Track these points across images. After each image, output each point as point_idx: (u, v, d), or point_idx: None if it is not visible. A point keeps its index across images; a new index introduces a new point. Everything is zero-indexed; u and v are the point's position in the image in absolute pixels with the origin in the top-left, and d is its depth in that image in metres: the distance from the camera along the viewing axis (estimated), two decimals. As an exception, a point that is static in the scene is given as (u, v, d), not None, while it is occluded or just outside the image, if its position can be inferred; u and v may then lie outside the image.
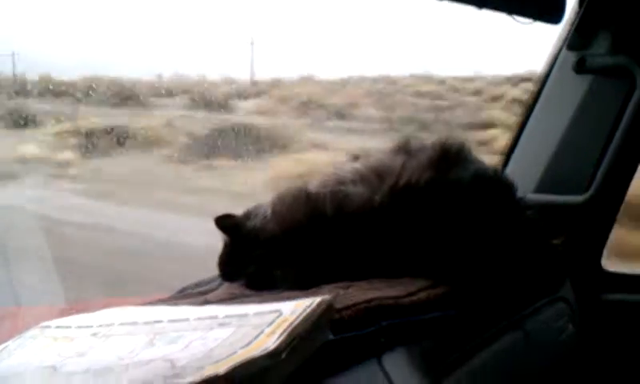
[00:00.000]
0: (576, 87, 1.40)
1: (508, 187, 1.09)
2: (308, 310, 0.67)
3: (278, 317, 0.66)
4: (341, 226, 0.96)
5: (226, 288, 0.96)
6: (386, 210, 0.96)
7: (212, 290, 0.97)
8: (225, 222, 1.03)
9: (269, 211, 1.01)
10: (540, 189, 1.39)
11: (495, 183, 1.07)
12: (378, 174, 1.01)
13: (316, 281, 0.90)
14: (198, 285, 1.03)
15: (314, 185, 1.03)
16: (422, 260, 0.95)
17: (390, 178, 0.99)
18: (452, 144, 1.05)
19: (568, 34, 1.39)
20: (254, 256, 0.98)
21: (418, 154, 1.03)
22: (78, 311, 0.84)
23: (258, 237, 0.99)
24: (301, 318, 0.65)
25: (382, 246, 0.95)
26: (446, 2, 1.01)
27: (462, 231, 0.96)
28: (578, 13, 1.37)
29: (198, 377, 0.55)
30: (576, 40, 1.39)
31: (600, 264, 1.48)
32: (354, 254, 0.95)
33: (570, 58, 1.39)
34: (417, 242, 0.94)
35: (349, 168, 1.05)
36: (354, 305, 0.81)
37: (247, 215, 1.03)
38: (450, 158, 1.02)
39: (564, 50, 1.41)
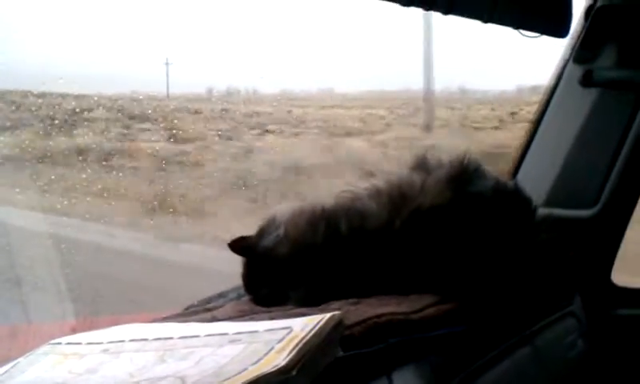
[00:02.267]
0: (583, 100, 1.40)
1: (527, 201, 1.09)
2: (318, 327, 0.67)
3: (288, 333, 0.66)
4: (356, 246, 0.96)
5: (234, 305, 0.96)
6: (405, 232, 0.96)
7: (220, 307, 0.97)
8: (238, 245, 1.03)
9: (282, 231, 1.01)
10: (548, 203, 1.38)
11: (515, 197, 1.07)
12: (397, 191, 1.01)
13: (326, 298, 0.90)
14: (205, 302, 1.03)
15: (330, 203, 1.03)
16: (433, 276, 0.94)
17: (411, 199, 0.99)
18: (469, 160, 1.05)
19: (574, 48, 1.40)
20: (267, 278, 0.99)
21: (435, 171, 1.03)
22: (87, 328, 0.84)
23: (270, 258, 0.99)
24: (311, 334, 0.65)
25: (395, 263, 0.95)
26: (452, 15, 1.01)
27: (476, 247, 0.96)
28: (584, 26, 1.37)
29: (210, 394, 0.56)
30: (582, 54, 1.39)
31: (610, 278, 1.47)
32: (366, 272, 0.95)
33: (577, 71, 1.39)
34: (430, 259, 0.94)
35: (366, 184, 1.05)
36: (364, 321, 0.80)
37: (260, 234, 1.03)
38: (468, 174, 1.03)
39: (570, 63, 1.41)
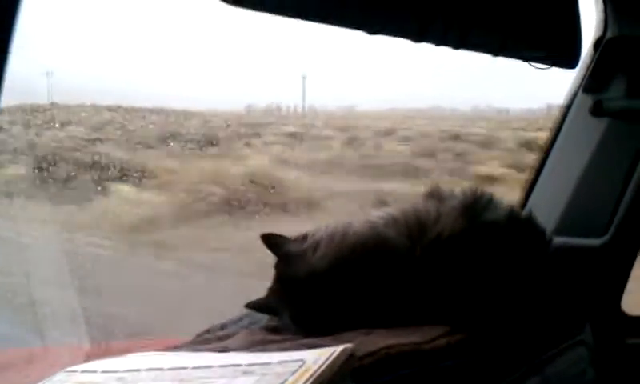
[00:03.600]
0: (593, 130, 1.40)
1: (540, 231, 1.10)
2: (330, 359, 0.68)
3: (300, 366, 0.67)
4: (376, 273, 0.97)
5: (247, 334, 0.97)
6: (426, 260, 0.97)
7: (232, 335, 0.98)
8: (270, 240, 1.04)
9: (319, 241, 1.02)
10: (558, 231, 1.38)
11: (529, 226, 1.08)
12: (414, 220, 1.01)
13: (339, 325, 0.90)
14: (217, 329, 1.04)
15: (355, 226, 1.03)
16: (445, 305, 0.95)
17: (430, 228, 0.99)
18: (481, 191, 1.06)
19: (584, 78, 1.41)
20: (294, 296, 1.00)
21: (449, 200, 1.05)
22: (101, 354, 0.86)
23: (299, 264, 1.00)
24: (323, 367, 0.66)
25: (412, 291, 0.95)
26: (463, 50, 1.03)
27: (489, 276, 0.97)
28: (593, 57, 1.39)
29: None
30: (592, 84, 1.40)
31: (620, 307, 1.46)
32: (381, 300, 0.95)
33: (587, 101, 1.40)
34: (444, 288, 0.95)
35: (381, 213, 1.06)
36: (375, 352, 0.81)
37: (298, 240, 1.04)
38: (482, 203, 1.04)
39: (580, 93, 1.42)
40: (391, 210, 1.07)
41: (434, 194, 1.08)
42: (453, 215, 1.01)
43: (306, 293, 0.98)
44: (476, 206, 1.04)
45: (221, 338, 0.95)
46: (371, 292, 0.96)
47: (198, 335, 1.01)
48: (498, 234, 1.01)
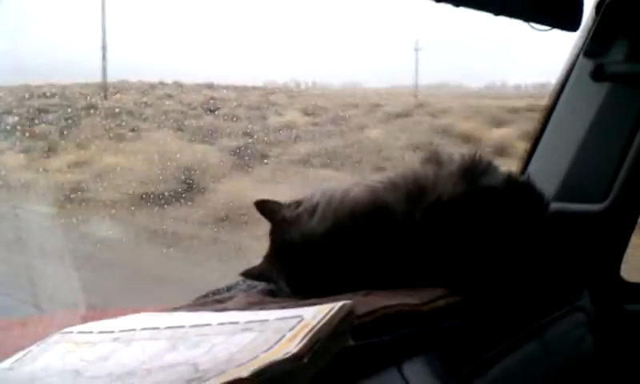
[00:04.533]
0: (594, 95, 1.39)
1: (539, 196, 1.09)
2: (329, 316, 0.67)
3: (299, 322, 0.66)
4: (375, 237, 0.96)
5: (245, 296, 0.97)
6: (426, 224, 0.96)
7: (230, 298, 0.97)
8: (264, 207, 1.03)
9: (316, 206, 1.01)
10: (558, 197, 1.38)
11: (527, 191, 1.07)
12: (414, 184, 1.00)
13: (337, 288, 0.90)
14: (215, 293, 1.04)
15: (354, 190, 1.02)
16: (444, 268, 0.94)
17: (429, 192, 0.98)
18: (480, 155, 1.05)
19: (585, 42, 1.39)
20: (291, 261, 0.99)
21: (447, 165, 1.03)
22: (97, 318, 0.85)
23: (296, 229, 0.99)
24: (322, 322, 0.65)
25: (411, 255, 0.94)
26: (463, 7, 1.01)
27: (488, 240, 0.96)
28: (594, 20, 1.37)
29: (222, 380, 0.56)
30: (593, 47, 1.38)
31: (619, 274, 1.46)
32: (380, 263, 0.95)
33: (588, 65, 1.39)
34: (443, 251, 0.94)
35: (379, 178, 1.04)
36: (374, 311, 0.81)
37: (293, 205, 1.03)
38: (481, 168, 1.03)
39: (581, 57, 1.41)
40: (390, 175, 1.05)
41: (433, 159, 1.07)
42: (452, 179, 1.00)
43: (303, 257, 0.97)
44: (475, 171, 1.03)
45: (219, 301, 0.95)
46: (370, 255, 0.96)
47: (197, 299, 1.00)
48: (496, 198, 1.00)
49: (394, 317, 0.82)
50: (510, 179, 1.06)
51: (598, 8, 1.36)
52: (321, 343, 0.63)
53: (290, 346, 0.61)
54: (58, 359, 0.73)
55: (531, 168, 1.45)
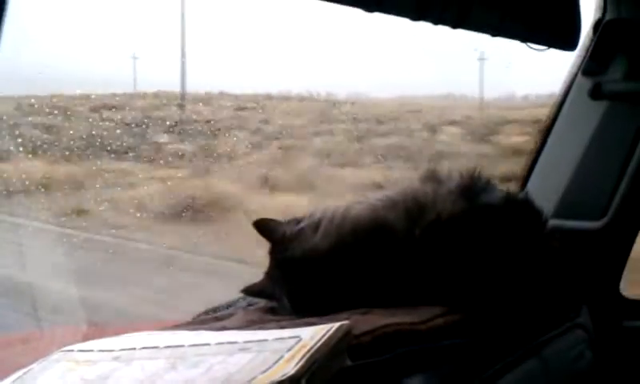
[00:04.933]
0: (592, 113, 1.40)
1: (537, 213, 1.10)
2: (327, 336, 0.67)
3: (297, 342, 0.67)
4: (374, 255, 0.97)
5: (244, 314, 0.97)
6: (426, 242, 0.96)
7: (229, 316, 0.97)
8: (263, 225, 1.04)
9: (318, 223, 1.01)
10: (557, 214, 1.38)
11: (526, 208, 1.08)
12: (413, 202, 1.01)
13: (337, 305, 0.90)
14: (214, 310, 1.04)
15: (355, 208, 1.03)
16: (442, 286, 0.95)
17: (428, 209, 0.99)
18: (479, 173, 1.06)
19: (583, 60, 1.40)
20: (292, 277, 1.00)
21: (446, 182, 1.04)
22: (98, 335, 0.85)
23: (298, 246, 1.00)
24: (320, 343, 0.66)
25: (410, 273, 0.95)
26: (461, 29, 1.02)
27: (486, 257, 0.96)
28: (592, 39, 1.38)
29: (220, 401, 0.56)
30: (591, 66, 1.39)
31: (618, 290, 1.46)
32: (379, 281, 0.95)
33: (586, 83, 1.40)
34: (442, 270, 0.95)
35: (379, 196, 1.05)
36: (372, 330, 0.81)
37: (293, 222, 1.04)
38: (479, 186, 1.04)
39: (579, 75, 1.42)
40: (389, 193, 1.06)
41: (431, 177, 1.08)
42: (451, 197, 1.01)
43: (305, 272, 0.98)
44: (474, 188, 1.03)
45: (218, 319, 0.95)
46: (370, 273, 0.96)
47: (196, 316, 1.01)
48: (495, 216, 1.01)
49: (392, 336, 0.82)
50: (508, 197, 1.06)
51: (596, 27, 1.38)
52: (318, 364, 0.64)
53: (288, 367, 0.62)
54: (59, 378, 0.73)
55: (530, 185, 1.45)
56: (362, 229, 0.99)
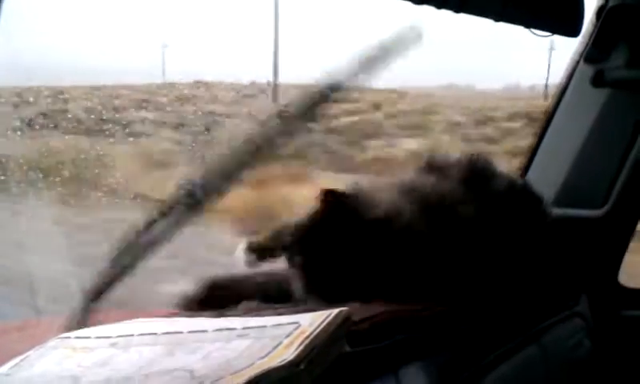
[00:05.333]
0: (593, 100, 1.39)
1: (538, 200, 1.09)
2: (326, 322, 0.67)
3: (296, 328, 0.66)
4: (386, 243, 0.94)
5: (242, 304, 0.96)
6: (430, 233, 0.95)
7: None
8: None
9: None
10: (557, 203, 1.38)
11: (526, 195, 1.08)
12: (417, 195, 0.99)
13: (343, 291, 0.89)
14: None
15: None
16: (441, 274, 0.94)
17: (433, 202, 0.98)
18: (479, 159, 1.05)
19: (585, 47, 1.39)
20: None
21: (447, 172, 1.03)
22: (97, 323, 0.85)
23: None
24: (319, 329, 0.65)
25: (412, 264, 0.94)
26: (464, 13, 1.01)
27: (489, 245, 0.96)
28: (595, 26, 1.37)
29: (218, 387, 0.56)
30: (593, 53, 1.38)
31: (617, 279, 1.46)
32: (386, 271, 0.94)
33: (588, 71, 1.39)
34: (442, 260, 0.94)
35: (382, 187, 1.03)
36: (371, 317, 0.81)
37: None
38: (482, 174, 1.03)
39: (581, 63, 1.41)
40: (390, 182, 1.05)
41: (432, 166, 1.07)
42: (454, 186, 1.00)
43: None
44: (480, 177, 1.03)
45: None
46: (376, 265, 0.95)
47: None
48: (501, 205, 1.01)
49: (391, 322, 0.82)
50: (511, 183, 1.06)
51: (599, 14, 1.36)
52: (317, 350, 0.63)
53: (287, 352, 0.61)
54: (56, 365, 0.73)
55: (531, 173, 1.45)
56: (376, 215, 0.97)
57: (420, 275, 0.94)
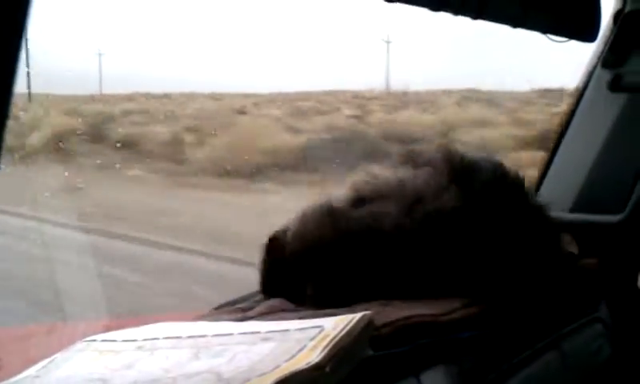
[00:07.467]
0: (611, 105, 1.39)
1: (521, 187, 1.08)
2: (349, 326, 0.68)
3: (320, 332, 0.67)
4: (371, 247, 0.95)
5: (265, 306, 0.97)
6: (421, 234, 0.95)
7: (251, 308, 0.98)
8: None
9: (292, 228, 1.01)
10: (576, 208, 1.37)
11: (511, 182, 1.07)
12: (399, 191, 0.99)
13: (349, 299, 0.90)
14: (236, 302, 1.04)
15: (337, 201, 1.01)
16: (457, 279, 0.95)
17: (419, 199, 0.97)
18: (455, 152, 1.05)
19: (603, 52, 1.39)
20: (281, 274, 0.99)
21: (425, 166, 1.03)
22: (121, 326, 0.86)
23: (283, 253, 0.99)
24: (343, 333, 0.66)
25: (414, 264, 0.94)
26: (481, 20, 1.02)
27: (497, 248, 0.96)
28: (612, 31, 1.36)
29: (245, 389, 0.57)
30: (611, 58, 1.38)
31: (636, 285, 1.45)
32: (386, 274, 0.94)
33: (605, 76, 1.38)
34: (451, 261, 0.94)
35: (362, 185, 1.03)
36: (393, 322, 0.81)
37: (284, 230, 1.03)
38: (463, 166, 1.03)
39: (599, 67, 1.41)
40: (371, 178, 1.04)
41: (409, 161, 1.06)
42: (443, 185, 0.99)
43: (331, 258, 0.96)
44: (463, 170, 1.02)
45: (240, 310, 0.95)
46: (389, 265, 0.96)
47: (217, 307, 1.01)
48: (494, 199, 1.00)
49: (413, 327, 0.82)
50: (495, 169, 1.05)
51: (616, 18, 1.36)
52: (342, 353, 0.64)
53: (312, 355, 0.62)
54: (83, 367, 0.74)
55: (548, 179, 1.45)
56: (348, 223, 0.97)
57: (421, 278, 0.94)
